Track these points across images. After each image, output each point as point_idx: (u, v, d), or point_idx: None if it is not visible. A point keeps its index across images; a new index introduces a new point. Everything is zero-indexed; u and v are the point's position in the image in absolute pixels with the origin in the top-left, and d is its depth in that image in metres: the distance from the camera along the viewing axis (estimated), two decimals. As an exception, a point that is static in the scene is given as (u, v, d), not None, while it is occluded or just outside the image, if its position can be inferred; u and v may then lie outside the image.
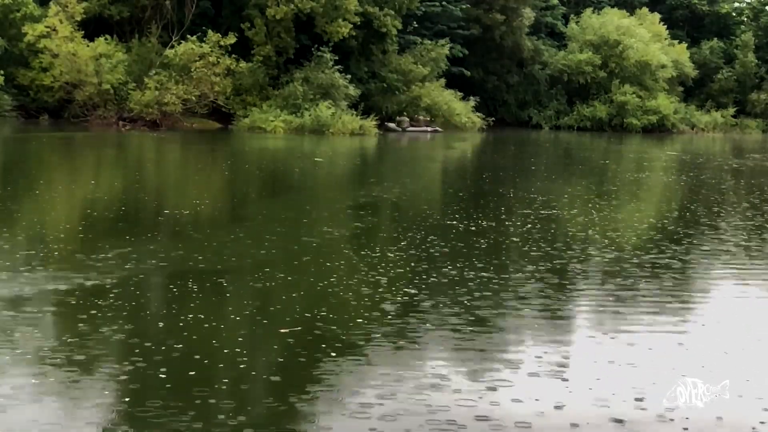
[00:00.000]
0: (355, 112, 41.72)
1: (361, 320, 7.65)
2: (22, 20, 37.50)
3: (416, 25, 52.30)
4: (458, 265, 10.21)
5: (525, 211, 15.72)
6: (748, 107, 72.78)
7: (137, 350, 6.58)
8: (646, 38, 61.18)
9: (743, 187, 23.25)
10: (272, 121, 39.35)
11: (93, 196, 16.26)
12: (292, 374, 6.20)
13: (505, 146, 40.83)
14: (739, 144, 52.09)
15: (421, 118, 47.53)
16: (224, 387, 5.95)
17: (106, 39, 39.13)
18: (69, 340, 6.77)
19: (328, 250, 11.20)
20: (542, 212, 15.51)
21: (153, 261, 9.96)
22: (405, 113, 48.37)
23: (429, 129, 47.11)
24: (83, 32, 38.12)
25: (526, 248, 11.74)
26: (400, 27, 47.61)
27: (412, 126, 46.80)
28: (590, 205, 17.28)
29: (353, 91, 43.01)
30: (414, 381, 6.11)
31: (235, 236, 11.94)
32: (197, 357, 6.46)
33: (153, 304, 8.27)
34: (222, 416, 5.48)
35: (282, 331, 7.18)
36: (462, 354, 6.86)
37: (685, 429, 5.46)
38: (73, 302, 7.91)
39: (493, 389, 6.01)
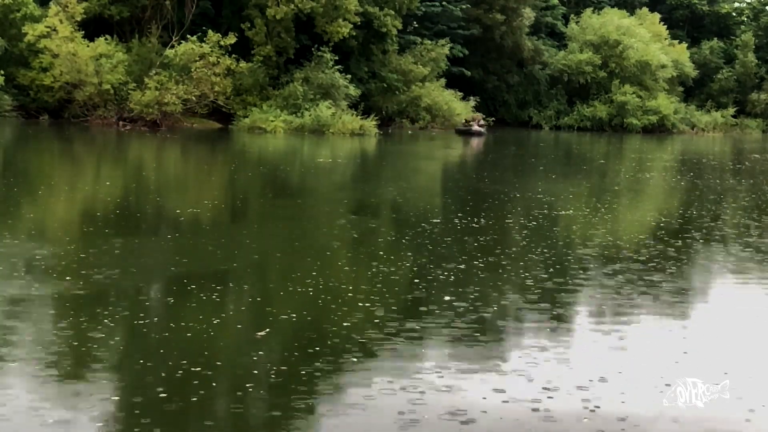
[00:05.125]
0: (355, 112, 41.70)
1: (361, 319, 7.65)
2: (22, 20, 37.46)
3: (416, 25, 52.29)
4: (459, 264, 10.21)
5: (526, 211, 15.72)
6: (748, 107, 72.78)
7: (137, 350, 6.59)
8: (646, 38, 61.17)
9: (744, 187, 23.25)
10: (272, 121, 39.33)
11: (93, 197, 16.25)
12: (291, 374, 6.19)
13: (506, 146, 40.81)
14: (739, 144, 52.09)
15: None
16: (223, 386, 5.95)
17: (106, 39, 39.09)
18: (69, 340, 6.77)
19: (330, 251, 11.20)
20: (543, 212, 15.50)
21: (154, 261, 9.96)
22: (406, 112, 48.56)
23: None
24: (83, 32, 38.09)
25: (527, 247, 11.74)
26: (400, 27, 47.59)
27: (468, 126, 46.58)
28: (591, 204, 17.28)
29: (353, 91, 42.98)
30: (414, 380, 6.11)
31: (237, 237, 11.94)
32: (196, 357, 6.46)
33: (153, 305, 8.28)
34: (221, 415, 5.48)
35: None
36: (462, 353, 6.86)
37: (684, 428, 5.47)
38: (74, 302, 7.91)
39: (493, 388, 6.01)
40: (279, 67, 42.98)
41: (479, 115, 48.45)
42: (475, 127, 45.74)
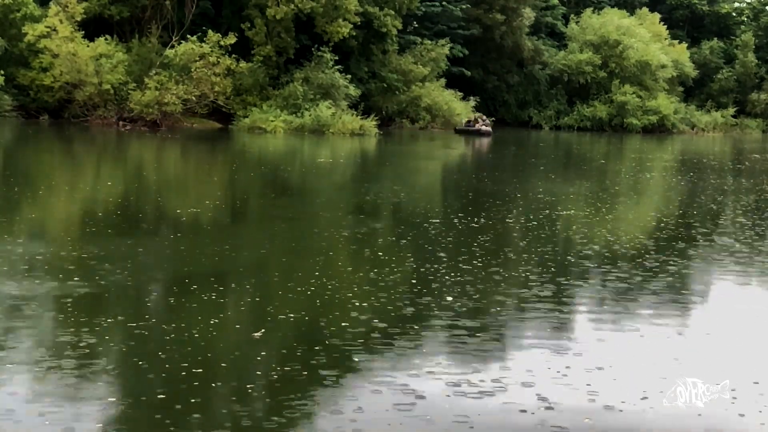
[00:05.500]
0: (355, 112, 41.70)
1: (361, 320, 7.65)
2: (22, 20, 37.45)
3: (416, 25, 52.29)
4: (460, 264, 10.21)
5: (527, 211, 15.72)
6: (748, 107, 72.79)
7: (138, 350, 6.59)
8: (646, 38, 61.18)
9: (744, 187, 23.25)
10: (272, 121, 39.33)
11: (95, 198, 16.25)
12: (291, 375, 6.19)
13: (506, 146, 40.79)
14: (739, 144, 52.08)
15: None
16: (222, 387, 5.95)
17: (106, 39, 39.07)
18: (70, 340, 6.77)
19: (331, 251, 11.20)
20: (544, 212, 15.51)
21: (156, 261, 9.96)
22: (407, 113, 48.70)
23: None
24: (83, 32, 38.08)
25: (527, 248, 11.74)
26: (400, 27, 47.58)
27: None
28: (592, 205, 17.28)
29: (353, 91, 42.98)
30: (415, 380, 6.11)
31: (238, 237, 11.94)
32: (197, 358, 6.46)
33: (154, 305, 8.28)
34: (222, 416, 5.49)
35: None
36: (463, 353, 6.86)
37: (684, 428, 5.48)
38: (75, 302, 7.91)
39: (494, 388, 6.01)
40: (279, 67, 42.97)
41: (480, 115, 48.54)
42: (483, 127, 45.63)
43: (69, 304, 7.82)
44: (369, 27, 45.74)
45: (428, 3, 53.41)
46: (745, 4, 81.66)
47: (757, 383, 6.39)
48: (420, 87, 48.90)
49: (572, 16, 64.71)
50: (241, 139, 35.50)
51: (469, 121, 47.31)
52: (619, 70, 60.02)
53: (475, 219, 14.24)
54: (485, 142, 41.23)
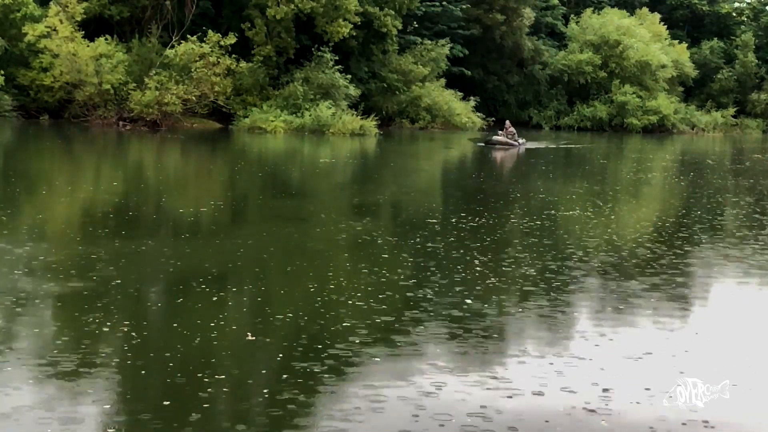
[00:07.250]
0: (355, 112, 41.70)
1: (362, 320, 7.65)
2: (22, 20, 37.45)
3: (416, 25, 52.31)
4: (460, 264, 10.21)
5: (529, 211, 15.72)
6: (748, 107, 72.81)
7: (136, 353, 6.59)
8: (647, 38, 61.22)
9: (744, 187, 23.25)
10: (272, 121, 39.35)
11: (98, 199, 16.25)
12: (292, 376, 6.19)
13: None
14: (739, 144, 52.09)
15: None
16: (222, 388, 5.94)
17: (106, 39, 39.07)
18: (70, 341, 6.77)
19: (333, 251, 11.21)
20: (546, 212, 15.51)
21: (157, 262, 9.96)
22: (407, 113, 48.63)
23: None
24: (83, 32, 38.08)
25: (529, 247, 11.74)
26: (400, 27, 47.60)
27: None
28: (594, 205, 17.28)
29: (353, 91, 42.99)
30: (415, 381, 6.11)
31: (241, 238, 11.93)
32: (196, 360, 6.46)
33: (154, 307, 8.28)
34: (222, 416, 5.49)
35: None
36: (463, 354, 6.86)
37: (684, 428, 5.48)
38: (77, 303, 7.91)
39: (494, 389, 6.01)
40: (279, 67, 42.99)
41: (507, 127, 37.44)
42: (500, 137, 35.59)
43: (70, 305, 7.82)
44: (369, 27, 45.75)
45: (428, 3, 53.42)
46: (745, 4, 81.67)
47: (758, 383, 6.39)
48: (420, 87, 48.93)
49: (572, 16, 64.75)
50: (241, 139, 35.50)
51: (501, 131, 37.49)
52: (619, 70, 60.06)
53: (477, 219, 14.23)
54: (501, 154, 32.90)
